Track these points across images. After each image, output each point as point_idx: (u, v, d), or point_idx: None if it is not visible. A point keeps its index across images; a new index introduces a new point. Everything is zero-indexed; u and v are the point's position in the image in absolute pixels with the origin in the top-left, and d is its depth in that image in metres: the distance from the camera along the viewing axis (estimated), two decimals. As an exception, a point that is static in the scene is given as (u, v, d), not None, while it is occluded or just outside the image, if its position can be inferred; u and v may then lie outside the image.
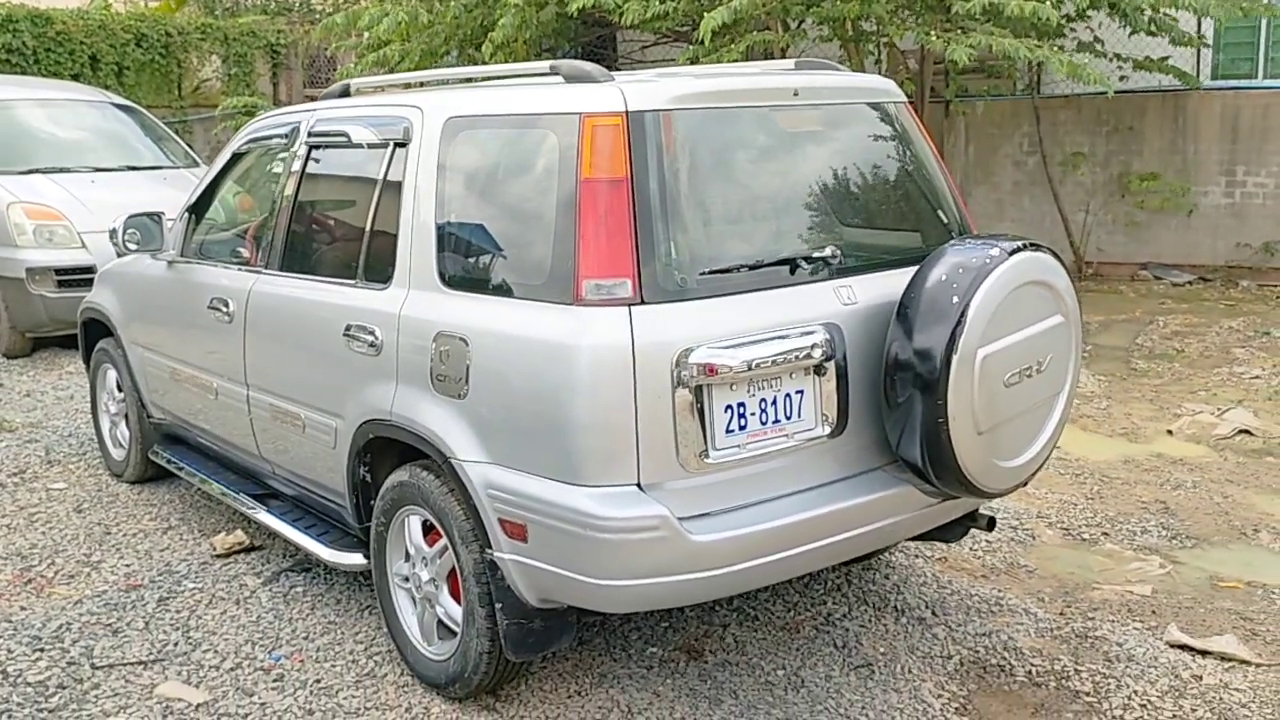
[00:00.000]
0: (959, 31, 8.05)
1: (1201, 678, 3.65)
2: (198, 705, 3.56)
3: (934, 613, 4.10)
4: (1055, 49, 8.07)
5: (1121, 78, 10.03)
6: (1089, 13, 9.58)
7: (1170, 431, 6.28)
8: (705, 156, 3.24)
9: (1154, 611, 4.14)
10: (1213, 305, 9.62)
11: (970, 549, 4.66)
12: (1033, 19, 7.59)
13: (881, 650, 3.85)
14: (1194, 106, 10.62)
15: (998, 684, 3.66)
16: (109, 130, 9.58)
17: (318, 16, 15.88)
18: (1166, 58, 9.95)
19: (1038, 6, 7.44)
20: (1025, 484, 3.61)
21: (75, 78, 12.77)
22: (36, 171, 8.65)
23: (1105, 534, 4.88)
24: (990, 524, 3.88)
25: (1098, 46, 9.90)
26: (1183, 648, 3.84)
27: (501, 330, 3.16)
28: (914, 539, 3.91)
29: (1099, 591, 4.31)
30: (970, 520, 3.83)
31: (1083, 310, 3.68)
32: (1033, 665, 3.74)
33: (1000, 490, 3.48)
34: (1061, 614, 4.11)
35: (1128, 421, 6.49)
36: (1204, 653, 3.81)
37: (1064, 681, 3.65)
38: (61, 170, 8.75)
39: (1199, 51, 10.26)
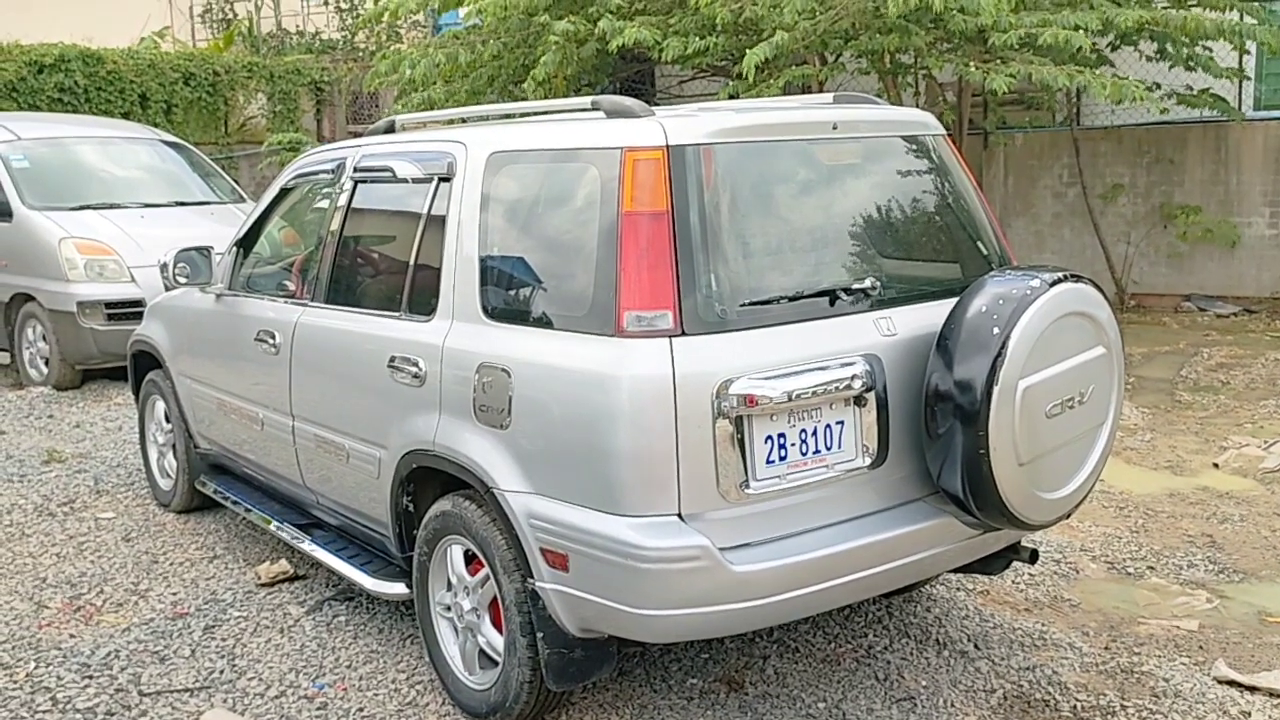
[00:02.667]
0: (998, 62, 8.06)
1: (1250, 714, 3.60)
2: (242, 732, 3.60)
3: (976, 646, 4.07)
4: (1096, 75, 8.03)
5: (1162, 111, 9.99)
6: (1126, 46, 9.57)
7: (1216, 464, 6.20)
8: (745, 189, 3.27)
9: (1201, 647, 4.08)
10: (1258, 337, 9.51)
11: (1012, 582, 4.63)
12: (1066, 47, 7.59)
13: (924, 683, 3.82)
14: (1236, 137, 10.54)
15: (1042, 719, 3.62)
16: (158, 167, 9.79)
17: (360, 54, 16.16)
18: (1207, 89, 9.89)
19: (1071, 35, 7.44)
20: (1068, 516, 3.59)
21: (125, 116, 13.05)
22: (88, 208, 8.83)
23: (1150, 568, 4.82)
24: (1033, 557, 3.85)
25: (1139, 78, 9.86)
26: (1230, 684, 3.79)
27: (544, 361, 3.20)
28: (955, 571, 3.89)
29: (1144, 626, 4.26)
30: (1012, 553, 3.81)
31: (1125, 342, 3.67)
32: (1078, 700, 3.70)
33: (1042, 522, 3.46)
34: (1106, 649, 4.07)
35: (1172, 454, 6.41)
36: (1252, 689, 3.75)
37: (1109, 717, 3.60)
38: (112, 206, 8.94)
39: (1240, 83, 10.20)
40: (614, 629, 3.16)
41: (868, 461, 3.26)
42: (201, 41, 18.43)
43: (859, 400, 3.23)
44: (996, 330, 3.15)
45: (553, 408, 3.16)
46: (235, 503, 5.05)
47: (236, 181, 11.13)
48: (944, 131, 3.86)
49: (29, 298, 8.67)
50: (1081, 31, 7.50)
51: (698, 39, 8.58)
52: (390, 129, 4.43)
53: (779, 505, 3.12)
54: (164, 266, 5.10)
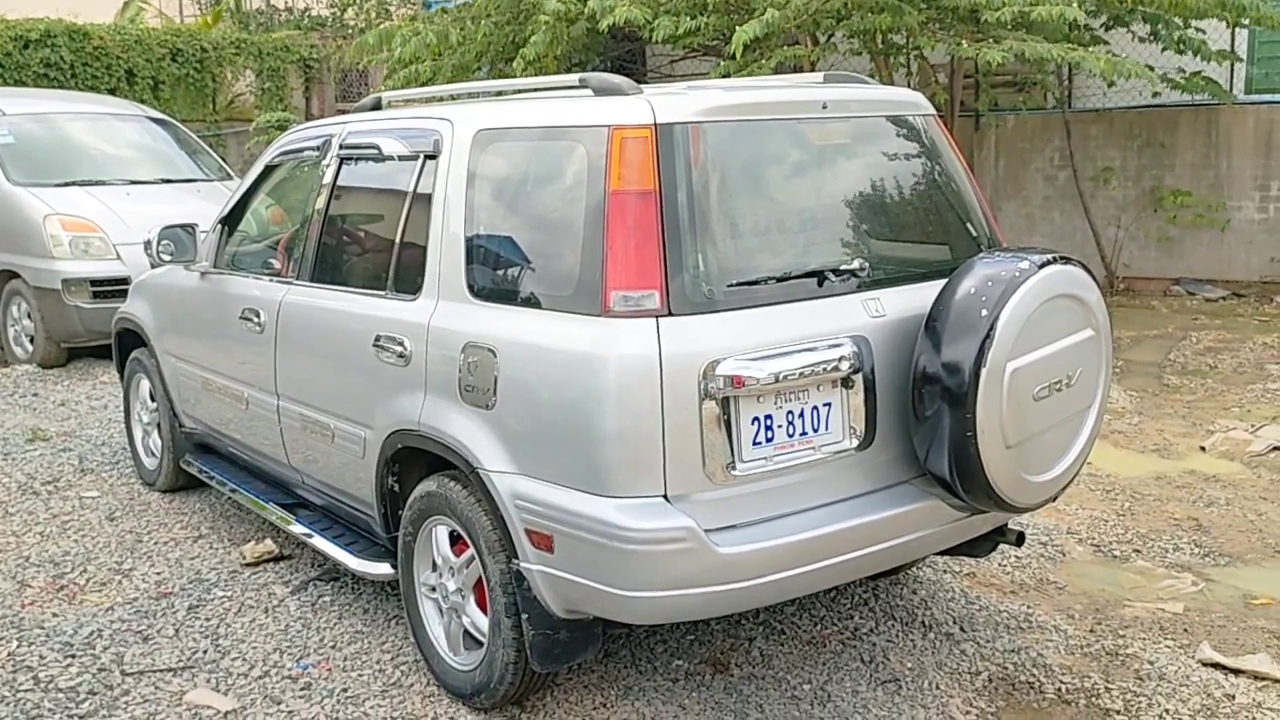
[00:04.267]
0: (990, 41, 8.03)
1: (1234, 697, 3.61)
2: (226, 713, 3.58)
3: (962, 628, 4.07)
4: (1090, 51, 7.99)
5: (1155, 94, 9.97)
6: (1119, 28, 9.54)
7: (1203, 448, 6.21)
8: (733, 169, 3.25)
9: (1186, 629, 4.09)
10: (1246, 321, 9.52)
11: (999, 565, 4.63)
12: (1059, 23, 7.55)
13: (909, 666, 3.82)
14: (1227, 121, 10.52)
15: (1027, 701, 3.63)
16: (144, 144, 9.71)
17: (350, 31, 16.03)
18: (1199, 72, 9.88)
19: (1064, 9, 7.41)
20: (1055, 499, 3.58)
21: (112, 92, 12.94)
22: (73, 184, 8.76)
23: (1136, 551, 4.83)
24: (1019, 539, 3.85)
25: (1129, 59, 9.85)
26: (1215, 666, 3.80)
27: (529, 341, 3.18)
28: (942, 554, 3.89)
29: (1130, 609, 4.27)
30: (999, 535, 3.81)
31: (1114, 325, 3.66)
32: (1062, 682, 3.71)
33: (1029, 505, 3.46)
34: (1092, 631, 4.07)
35: (1160, 438, 6.42)
36: (1237, 671, 3.76)
37: (1094, 699, 3.61)
38: (97, 183, 8.86)
39: (1232, 66, 10.18)
40: (599, 610, 3.15)
41: (855, 443, 3.25)
42: (189, 18, 18.26)
43: (846, 382, 3.21)
44: (985, 312, 3.14)
45: (538, 388, 3.14)
46: (220, 482, 5.02)
47: (224, 159, 11.04)
48: (935, 112, 3.83)
49: (13, 275, 8.61)
50: (1075, 4, 7.45)
51: (689, 18, 8.53)
52: (377, 106, 4.39)
53: (765, 487, 3.11)
54: (148, 244, 5.06)
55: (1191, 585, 4.47)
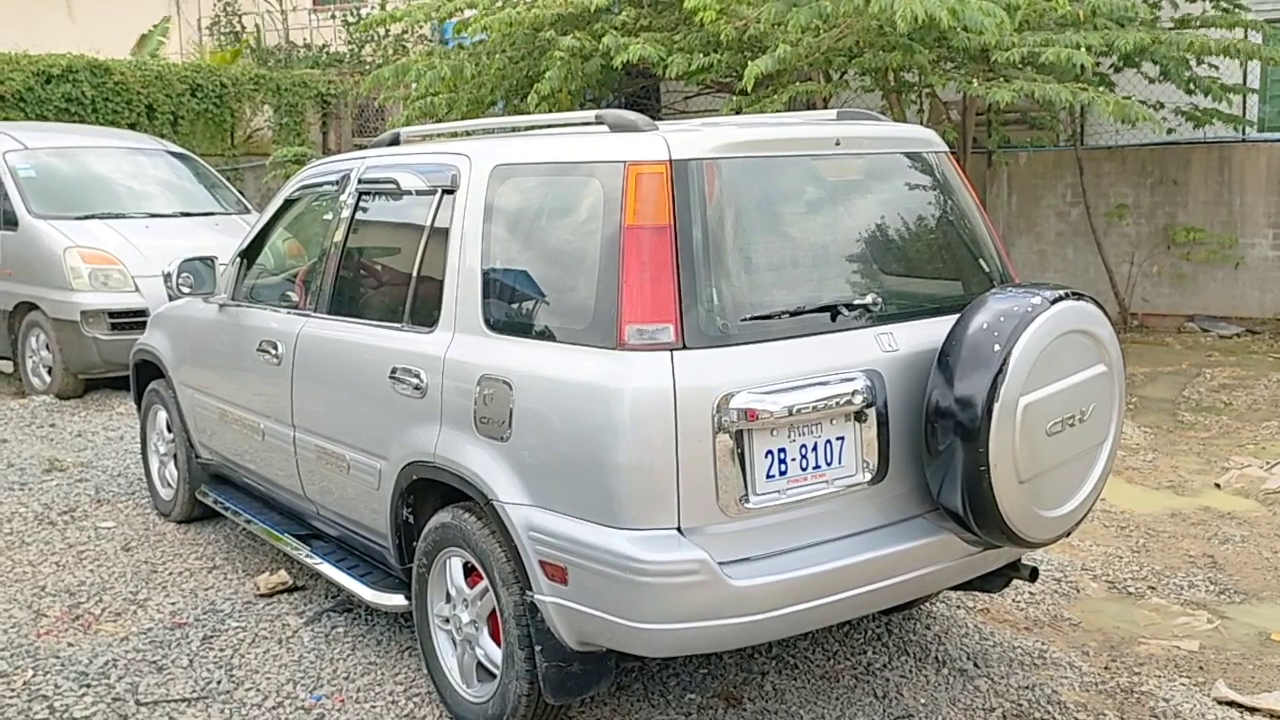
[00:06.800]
0: (1001, 80, 8.09)
1: (1251, 735, 3.59)
2: (239, 743, 3.59)
3: (976, 664, 4.05)
4: (1100, 93, 8.07)
5: (1169, 130, 10.02)
6: (1129, 69, 9.60)
7: (1218, 485, 6.19)
8: (748, 204, 3.28)
9: (1201, 667, 4.07)
10: (1261, 358, 9.50)
11: (1013, 600, 4.61)
12: (1068, 65, 7.62)
13: (922, 701, 3.81)
14: (1240, 158, 10.56)
15: (1041, 738, 3.61)
16: (164, 177, 9.81)
17: (367, 68, 16.20)
18: (1213, 109, 9.92)
19: (1073, 53, 7.47)
20: (1068, 534, 3.58)
21: (132, 126, 13.08)
22: (93, 217, 8.86)
23: (1151, 588, 4.81)
24: (1033, 574, 3.84)
25: (1142, 98, 9.90)
26: (1231, 704, 3.77)
27: (545, 374, 3.20)
28: (955, 589, 3.88)
29: (1145, 646, 4.25)
30: (1012, 570, 3.80)
31: (1128, 362, 3.67)
32: (1077, 719, 3.68)
33: (1043, 540, 3.46)
34: (1107, 668, 4.05)
35: (1174, 474, 6.40)
36: (1253, 710, 3.74)
37: (1109, 736, 3.59)
38: (117, 216, 8.96)
39: (1245, 99, 10.22)
40: (612, 642, 3.16)
41: (868, 477, 3.26)
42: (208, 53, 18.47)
43: (859, 416, 3.23)
44: (998, 347, 3.15)
45: (553, 420, 3.16)
46: (235, 513, 5.04)
47: (242, 193, 11.15)
48: (947, 149, 3.87)
49: (33, 306, 8.68)
50: (1083, 50, 7.52)
51: (702, 55, 8.61)
52: (395, 141, 4.44)
53: (778, 520, 3.11)
54: (168, 276, 5.11)
55: (1207, 622, 4.45)
